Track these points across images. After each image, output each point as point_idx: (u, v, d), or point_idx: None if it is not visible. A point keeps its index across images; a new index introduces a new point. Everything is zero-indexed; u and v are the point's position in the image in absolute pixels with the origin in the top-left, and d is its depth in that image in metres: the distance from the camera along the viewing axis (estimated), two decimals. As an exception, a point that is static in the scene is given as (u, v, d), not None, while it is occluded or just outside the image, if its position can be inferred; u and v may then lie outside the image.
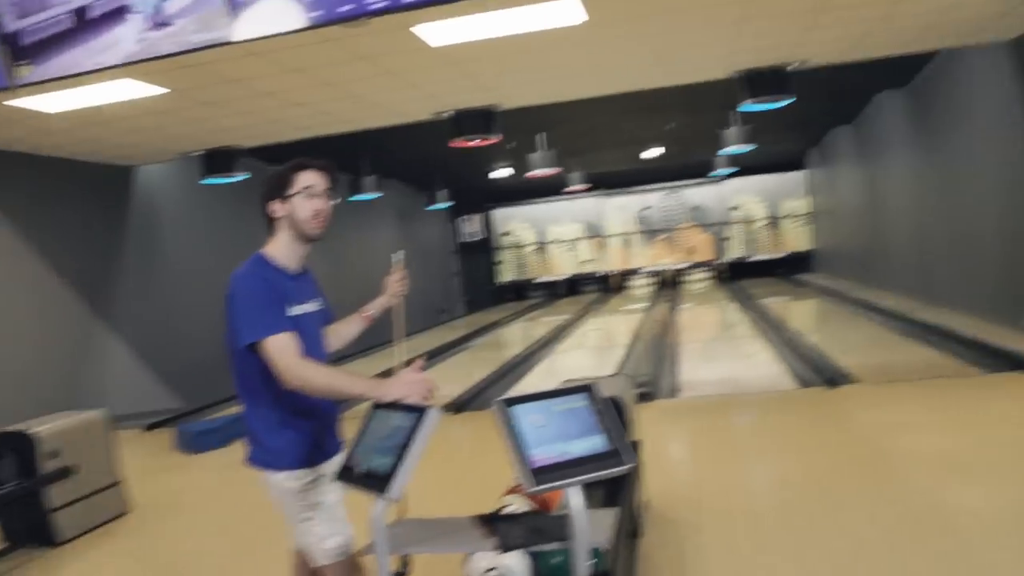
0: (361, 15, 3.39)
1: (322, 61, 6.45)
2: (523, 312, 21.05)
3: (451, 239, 23.71)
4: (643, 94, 10.24)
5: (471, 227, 24.26)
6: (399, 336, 2.69)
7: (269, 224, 2.51)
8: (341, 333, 2.77)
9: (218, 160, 9.79)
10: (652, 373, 8.91)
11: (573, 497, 1.89)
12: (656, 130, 14.80)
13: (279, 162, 9.48)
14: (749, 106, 8.61)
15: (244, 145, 9.71)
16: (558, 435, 1.88)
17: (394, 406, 2.15)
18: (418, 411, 2.06)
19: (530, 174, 14.13)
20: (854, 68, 9.59)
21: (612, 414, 1.96)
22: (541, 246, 24.82)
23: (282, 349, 2.25)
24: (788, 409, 6.47)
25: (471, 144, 9.29)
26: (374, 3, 3.37)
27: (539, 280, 24.89)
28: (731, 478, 4.84)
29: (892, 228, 14.29)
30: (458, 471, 5.59)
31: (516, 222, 24.87)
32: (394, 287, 2.85)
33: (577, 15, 5.79)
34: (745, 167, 21.20)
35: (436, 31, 5.94)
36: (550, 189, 20.95)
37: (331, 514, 2.40)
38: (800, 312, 15.75)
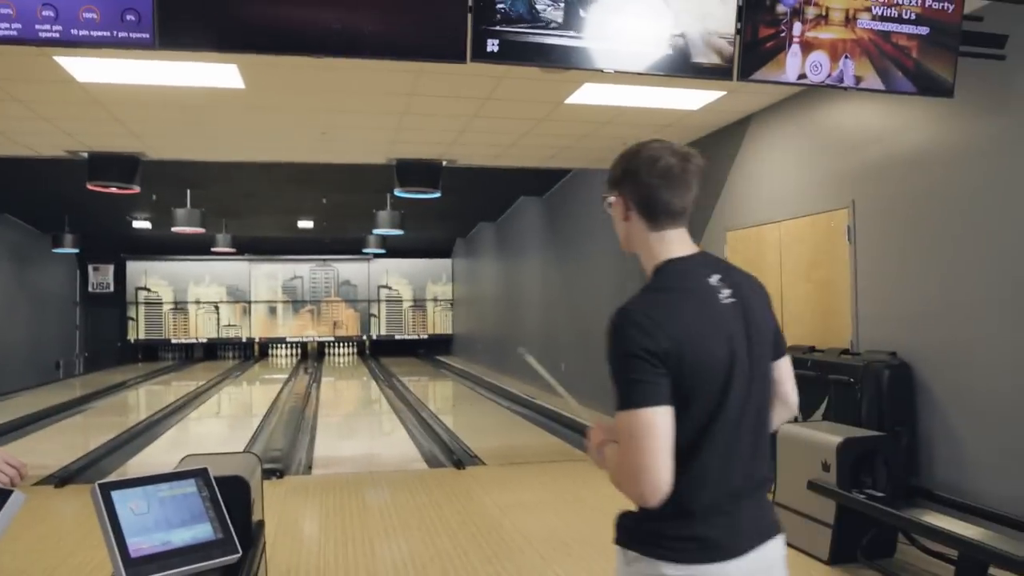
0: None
1: (-70, 73, 5.62)
2: (153, 374, 19.49)
3: (76, 288, 21.38)
4: (303, 166, 10.28)
5: (100, 277, 22.10)
6: None
7: None
8: None
9: None
10: (286, 448, 8.69)
11: (173, 589, 1.78)
12: (313, 202, 14.83)
13: None
14: (400, 193, 9.02)
15: None
16: (161, 523, 1.77)
17: (-31, 488, 1.88)
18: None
19: (175, 229, 13.33)
20: (501, 173, 10.53)
21: (219, 502, 1.89)
22: (180, 306, 23.33)
23: None
24: (418, 489, 6.65)
25: (107, 190, 8.59)
26: (2, 29, 3.02)
27: (175, 341, 23.29)
28: (356, 558, 4.84)
29: (524, 319, 15.60)
30: (55, 556, 4.95)
31: (154, 278, 23.17)
32: None
33: (234, 80, 5.71)
34: (396, 250, 21.97)
35: (85, 66, 5.50)
36: (195, 247, 19.91)
37: None
38: (437, 393, 16.41)
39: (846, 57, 3.92)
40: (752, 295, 1.83)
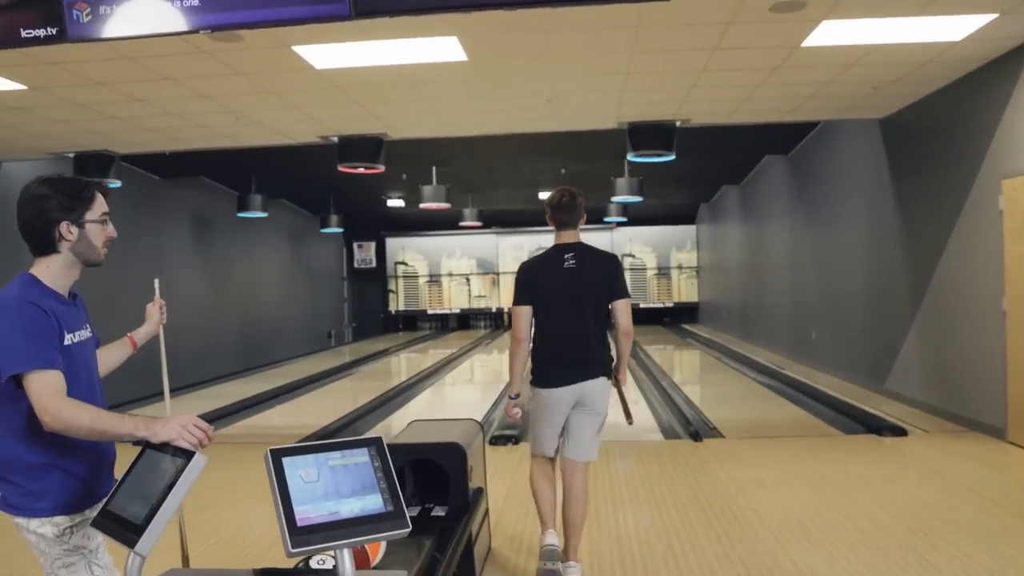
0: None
1: (196, 72, 6.20)
2: (412, 343, 20.80)
3: (343, 264, 23.30)
4: (540, 137, 10.32)
5: (364, 254, 23.91)
6: (163, 367, 2.52)
7: (39, 243, 2.22)
8: (108, 358, 2.52)
9: (91, 163, 9.30)
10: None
11: (342, 560, 1.74)
12: (552, 173, 14.94)
13: (161, 172, 9.04)
14: (634, 157, 8.78)
15: (118, 151, 9.27)
16: (330, 492, 1.73)
17: (164, 447, 1.97)
18: (186, 456, 1.88)
19: (423, 206, 14.02)
20: (742, 131, 9.96)
21: (392, 472, 1.82)
22: (434, 278, 24.67)
23: (45, 386, 2.02)
24: (651, 460, 6.46)
25: (356, 171, 9.15)
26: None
27: (431, 312, 24.72)
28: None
29: (770, 287, 14.79)
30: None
31: (410, 252, 24.68)
32: (154, 315, 2.65)
33: (456, 53, 5.76)
34: (639, 217, 21.68)
35: (320, 53, 5.82)
36: (446, 223, 20.87)
37: (95, 560, 2.18)
38: (680, 362, 16.04)
39: None
40: (593, 264, 3.82)
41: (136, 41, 5.48)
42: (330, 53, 5.80)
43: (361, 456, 1.82)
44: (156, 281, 2.77)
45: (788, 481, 5.66)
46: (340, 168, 9.04)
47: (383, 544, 2.87)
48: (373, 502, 1.76)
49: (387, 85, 6.78)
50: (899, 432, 7.08)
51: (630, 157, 8.82)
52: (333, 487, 1.75)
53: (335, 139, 8.83)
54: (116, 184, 9.59)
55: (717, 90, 7.20)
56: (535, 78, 6.70)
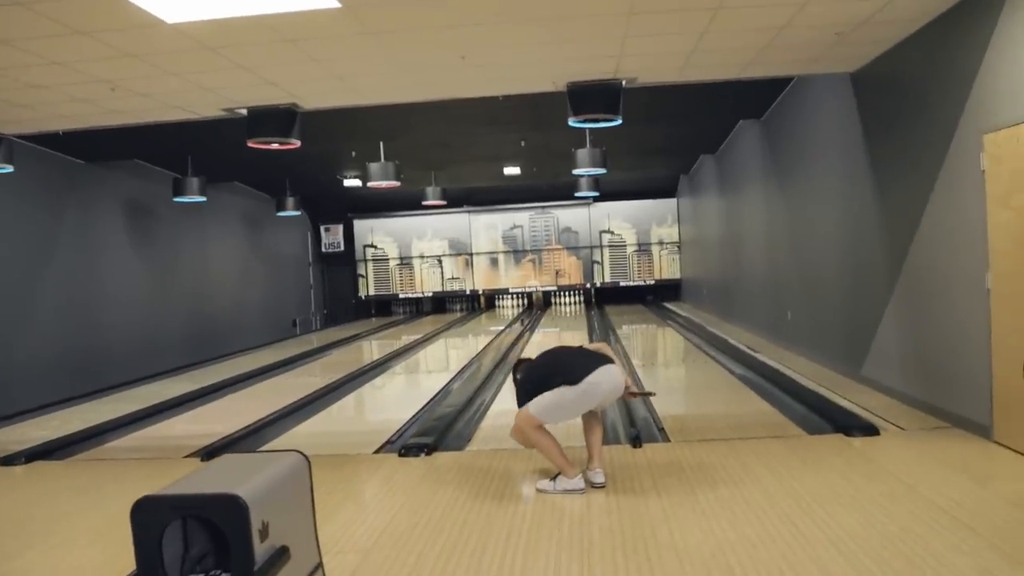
0: None
1: (27, 32, 5.24)
2: (380, 329, 19.88)
3: (309, 249, 22.30)
4: (485, 106, 9.34)
5: (331, 237, 22.91)
6: None
7: None
8: None
9: (-20, 147, 8.35)
10: (450, 415, 7.84)
11: None
12: (512, 145, 13.97)
13: (86, 156, 8.04)
14: (575, 123, 7.81)
15: (5, 132, 8.30)
16: None
17: None
18: None
19: (371, 184, 13.04)
20: (714, 94, 9.06)
21: None
22: (405, 261, 23.67)
23: None
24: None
25: (268, 147, 8.18)
26: None
27: (403, 296, 23.77)
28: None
29: (747, 262, 13.83)
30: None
31: (379, 235, 23.66)
32: None
33: (321, -4, 4.80)
34: (617, 192, 20.73)
35: (161, 2, 4.84)
36: (414, 203, 19.88)
37: None
38: (649, 348, 15.04)
39: None
40: None
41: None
42: (173, 2, 4.83)
43: None
44: None
45: (728, 502, 4.71)
46: (250, 143, 8.08)
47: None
48: None
49: (264, 44, 5.81)
50: (870, 431, 6.15)
51: (571, 122, 7.81)
52: None
53: (243, 112, 7.87)
54: (7, 169, 8.65)
55: (654, 39, 6.23)
56: (433, 29, 5.72)
